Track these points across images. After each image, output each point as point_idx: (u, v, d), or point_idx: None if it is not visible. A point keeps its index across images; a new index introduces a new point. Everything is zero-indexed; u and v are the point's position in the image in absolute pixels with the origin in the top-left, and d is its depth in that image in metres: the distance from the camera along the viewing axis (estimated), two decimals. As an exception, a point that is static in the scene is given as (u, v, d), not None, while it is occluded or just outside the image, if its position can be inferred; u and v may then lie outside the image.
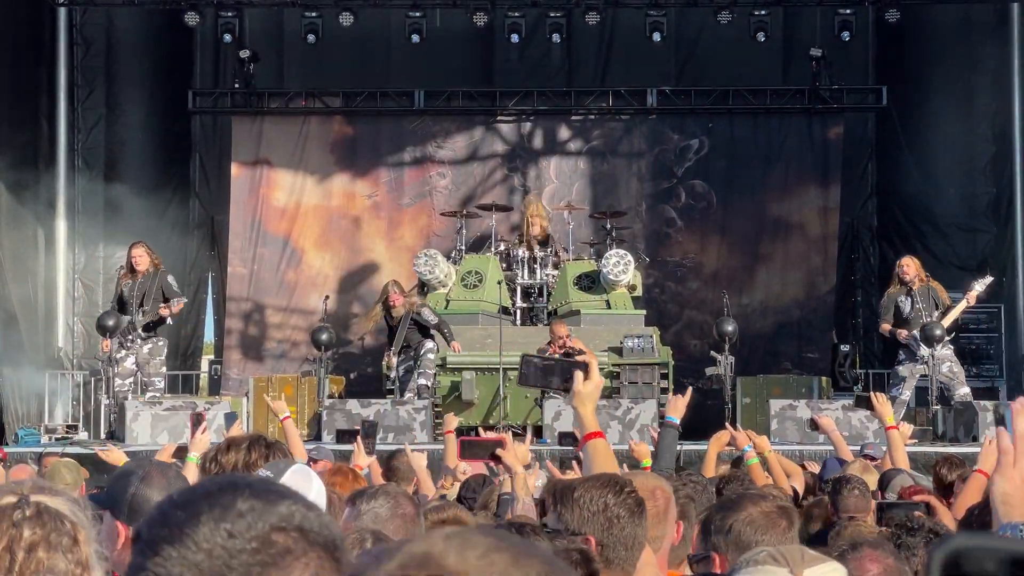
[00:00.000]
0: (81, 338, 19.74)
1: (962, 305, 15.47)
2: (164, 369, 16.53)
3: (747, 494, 4.16)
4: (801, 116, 20.56)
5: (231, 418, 7.64)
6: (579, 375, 4.27)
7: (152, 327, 16.05)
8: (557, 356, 15.08)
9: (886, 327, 15.64)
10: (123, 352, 15.84)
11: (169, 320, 16.10)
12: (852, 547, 3.80)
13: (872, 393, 8.39)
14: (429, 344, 15.99)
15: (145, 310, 15.78)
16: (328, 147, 20.93)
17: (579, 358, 4.49)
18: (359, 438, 7.49)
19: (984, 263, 19.44)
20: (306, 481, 3.58)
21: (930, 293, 15.54)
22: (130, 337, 15.84)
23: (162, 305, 15.75)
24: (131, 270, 15.90)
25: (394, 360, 16.30)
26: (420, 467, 7.87)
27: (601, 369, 14.44)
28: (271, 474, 3.57)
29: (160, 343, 16.24)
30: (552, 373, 4.47)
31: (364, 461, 7.25)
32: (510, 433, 4.40)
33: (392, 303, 16.33)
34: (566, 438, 6.87)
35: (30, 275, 19.13)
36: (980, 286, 15.66)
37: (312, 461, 8.33)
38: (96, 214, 20.06)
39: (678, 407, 6.60)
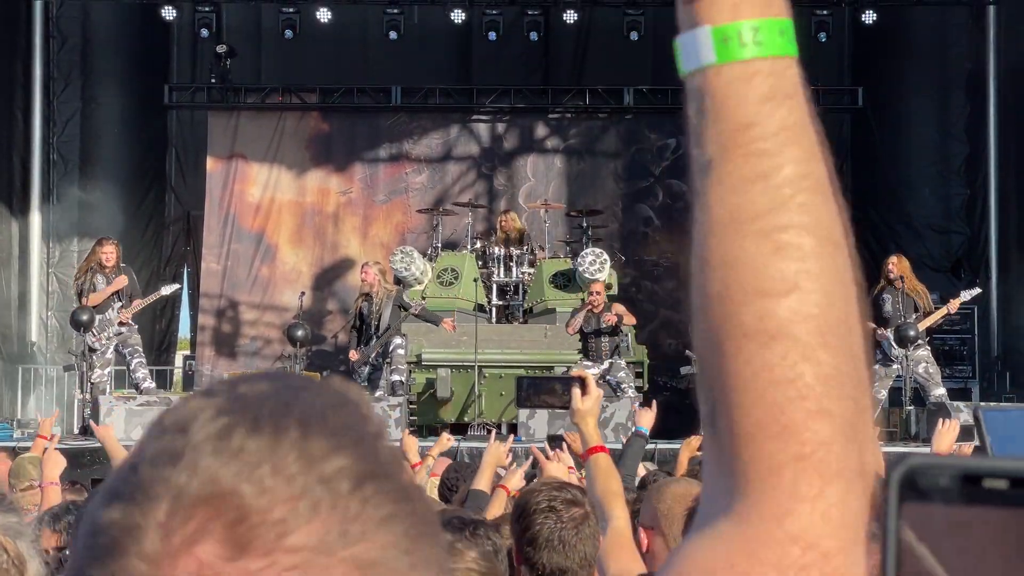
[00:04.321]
0: (55, 332, 19.65)
1: (942, 311, 15.52)
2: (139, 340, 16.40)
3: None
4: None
5: None
6: (576, 392, 4.27)
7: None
8: (552, 375, 15.29)
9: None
10: (103, 346, 15.80)
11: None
12: None
13: None
14: (398, 340, 15.92)
15: (121, 305, 15.76)
16: (304, 143, 20.90)
17: (573, 373, 4.51)
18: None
19: (958, 264, 19.53)
20: None
21: (910, 295, 15.58)
22: (106, 333, 15.78)
23: (123, 312, 15.73)
24: (100, 266, 15.82)
25: (356, 355, 16.14)
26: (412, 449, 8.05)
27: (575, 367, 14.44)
28: None
29: (134, 325, 16.18)
30: (549, 392, 4.46)
31: (405, 461, 7.24)
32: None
33: (363, 278, 16.23)
34: (554, 441, 6.92)
35: (3, 269, 19.05)
36: (967, 296, 15.73)
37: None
38: (71, 208, 19.98)
39: (647, 418, 6.85)
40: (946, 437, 6.39)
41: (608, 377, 15.89)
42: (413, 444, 8.64)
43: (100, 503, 0.92)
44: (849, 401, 1.04)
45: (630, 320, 16.24)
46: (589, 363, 15.81)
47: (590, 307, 16.07)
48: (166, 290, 16.26)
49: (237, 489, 0.89)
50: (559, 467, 5.81)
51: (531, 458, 6.32)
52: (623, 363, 16.21)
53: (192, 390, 18.81)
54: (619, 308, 16.28)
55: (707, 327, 1.06)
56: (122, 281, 15.73)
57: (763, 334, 1.03)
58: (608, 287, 17.69)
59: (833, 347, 1.04)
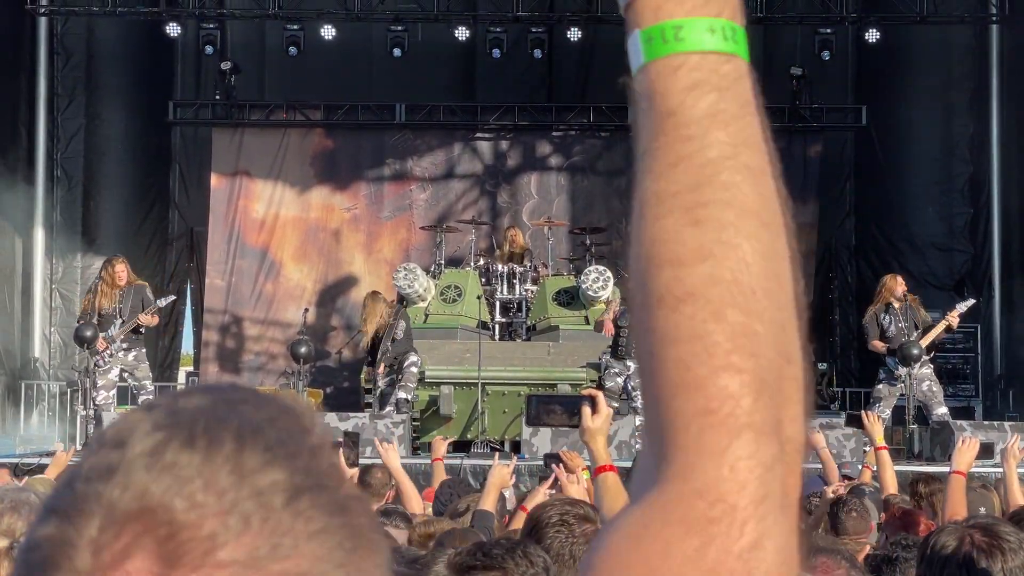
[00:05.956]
0: (57, 348, 19.66)
1: (942, 326, 15.49)
2: (150, 374, 16.39)
3: None
4: (781, 134, 20.57)
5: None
6: (587, 410, 4.27)
7: (129, 337, 16.00)
8: (558, 392, 15.22)
9: (878, 344, 15.59)
10: (107, 364, 15.78)
11: (142, 329, 15.99)
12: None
13: (863, 412, 8.44)
14: (413, 358, 15.94)
15: (124, 321, 15.75)
16: (308, 160, 20.92)
17: (585, 392, 4.50)
18: (341, 449, 7.49)
19: (961, 283, 19.53)
20: None
21: (910, 312, 15.56)
22: (110, 350, 15.78)
23: (141, 314, 15.74)
24: (112, 285, 15.85)
25: (381, 369, 16.12)
26: (396, 467, 7.79)
27: (579, 385, 14.41)
28: None
29: (142, 350, 16.18)
30: (559, 411, 4.47)
31: (346, 472, 7.22)
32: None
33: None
34: (550, 459, 6.85)
35: (6, 285, 19.06)
36: (963, 307, 15.69)
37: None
38: (74, 224, 20.00)
39: None
40: (966, 455, 6.39)
41: (629, 383, 15.63)
42: (394, 459, 8.11)
43: (38, 518, 0.94)
44: (763, 360, 1.04)
45: None
46: (616, 366, 15.67)
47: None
48: (162, 302, 16.20)
49: (168, 504, 0.90)
50: (578, 489, 5.80)
51: (552, 477, 6.27)
52: None
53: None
54: None
55: (630, 301, 1.09)
56: (152, 320, 15.88)
57: (672, 298, 1.04)
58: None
59: (745, 308, 1.04)
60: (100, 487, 0.92)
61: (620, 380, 15.70)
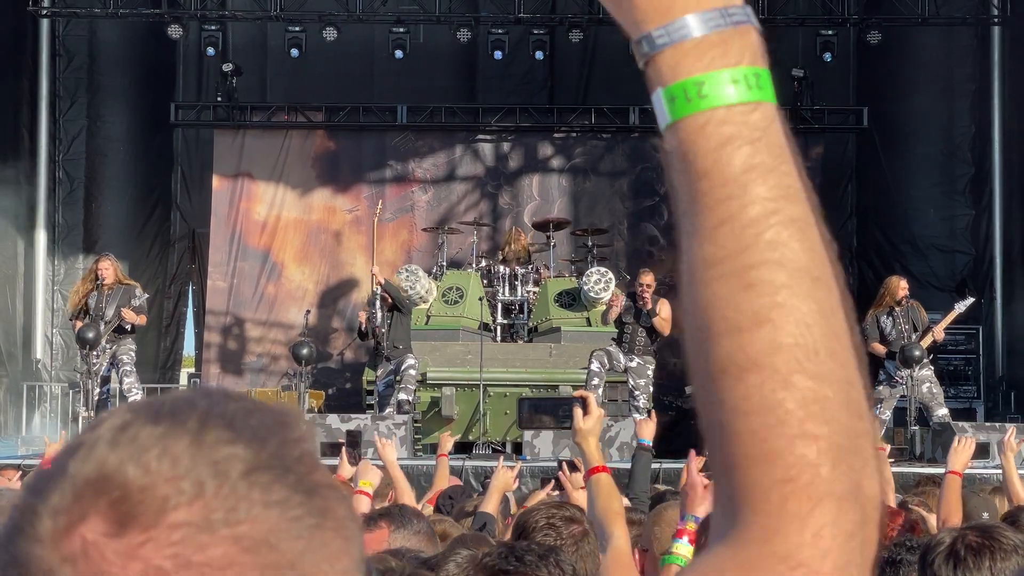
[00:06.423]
0: (60, 350, 19.67)
1: (942, 324, 15.49)
2: (132, 354, 16.20)
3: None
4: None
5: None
6: (578, 412, 4.29)
7: (114, 337, 15.95)
8: (554, 395, 15.18)
9: (878, 347, 15.55)
10: (96, 363, 15.77)
11: (127, 326, 15.81)
12: None
13: None
14: (411, 360, 15.96)
15: (108, 322, 15.66)
16: (310, 161, 20.92)
17: (576, 393, 4.51)
18: (344, 449, 7.50)
19: (963, 284, 19.53)
20: None
21: (910, 314, 15.55)
22: (96, 352, 15.73)
23: (124, 309, 15.55)
24: (92, 280, 15.78)
25: (370, 313, 16.07)
26: (391, 461, 7.69)
27: (580, 386, 14.41)
28: None
29: (128, 336, 16.03)
30: (550, 413, 4.49)
31: (348, 472, 7.25)
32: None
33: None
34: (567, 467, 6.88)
35: (8, 286, 19.08)
36: (962, 307, 15.68)
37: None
38: (76, 226, 20.02)
39: (648, 429, 6.71)
40: (962, 455, 6.39)
41: (629, 380, 15.53)
42: (391, 454, 8.10)
43: (18, 496, 1.00)
44: (836, 424, 1.05)
45: (662, 329, 15.53)
46: (616, 351, 15.56)
47: (641, 303, 15.47)
48: (136, 301, 16.03)
49: (123, 471, 0.95)
50: (582, 494, 5.82)
51: (552, 481, 6.30)
52: (650, 370, 15.69)
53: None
54: (664, 309, 15.46)
55: (692, 369, 1.09)
56: (135, 318, 15.65)
57: (736, 368, 1.05)
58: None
59: (812, 373, 1.05)
60: (68, 461, 0.97)
61: (622, 357, 15.51)
